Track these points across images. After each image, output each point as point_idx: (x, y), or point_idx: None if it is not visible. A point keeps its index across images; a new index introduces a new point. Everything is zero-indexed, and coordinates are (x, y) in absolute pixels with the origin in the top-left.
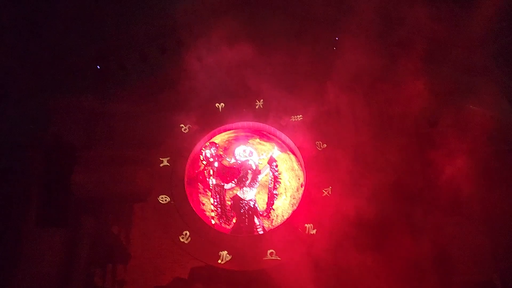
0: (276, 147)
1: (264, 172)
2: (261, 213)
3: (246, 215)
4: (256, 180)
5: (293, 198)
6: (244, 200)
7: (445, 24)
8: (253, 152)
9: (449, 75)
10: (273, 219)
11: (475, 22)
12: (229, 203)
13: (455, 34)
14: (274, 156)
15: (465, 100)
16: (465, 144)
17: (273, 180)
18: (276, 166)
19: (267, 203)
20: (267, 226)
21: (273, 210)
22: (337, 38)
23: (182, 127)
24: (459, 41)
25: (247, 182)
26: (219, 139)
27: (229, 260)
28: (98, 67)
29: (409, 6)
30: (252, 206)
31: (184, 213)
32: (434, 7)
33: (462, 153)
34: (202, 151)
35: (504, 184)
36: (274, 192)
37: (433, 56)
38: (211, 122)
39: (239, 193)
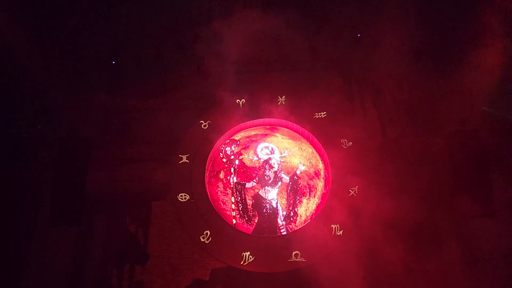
0: (300, 164)
1: (285, 179)
2: (284, 215)
3: (268, 215)
4: (278, 179)
5: (318, 198)
6: (266, 199)
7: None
8: (275, 150)
9: (475, 77)
10: (296, 219)
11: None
12: (251, 202)
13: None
14: (298, 173)
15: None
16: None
17: (291, 190)
18: (298, 179)
19: (289, 208)
20: (291, 226)
21: (296, 214)
22: (359, 35)
23: (202, 123)
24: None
25: (269, 181)
26: (240, 136)
27: (252, 261)
28: (114, 62)
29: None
30: (275, 205)
31: (205, 212)
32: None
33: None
34: (222, 148)
35: None
36: (292, 205)
37: (459, 56)
38: (231, 119)
39: (261, 192)
